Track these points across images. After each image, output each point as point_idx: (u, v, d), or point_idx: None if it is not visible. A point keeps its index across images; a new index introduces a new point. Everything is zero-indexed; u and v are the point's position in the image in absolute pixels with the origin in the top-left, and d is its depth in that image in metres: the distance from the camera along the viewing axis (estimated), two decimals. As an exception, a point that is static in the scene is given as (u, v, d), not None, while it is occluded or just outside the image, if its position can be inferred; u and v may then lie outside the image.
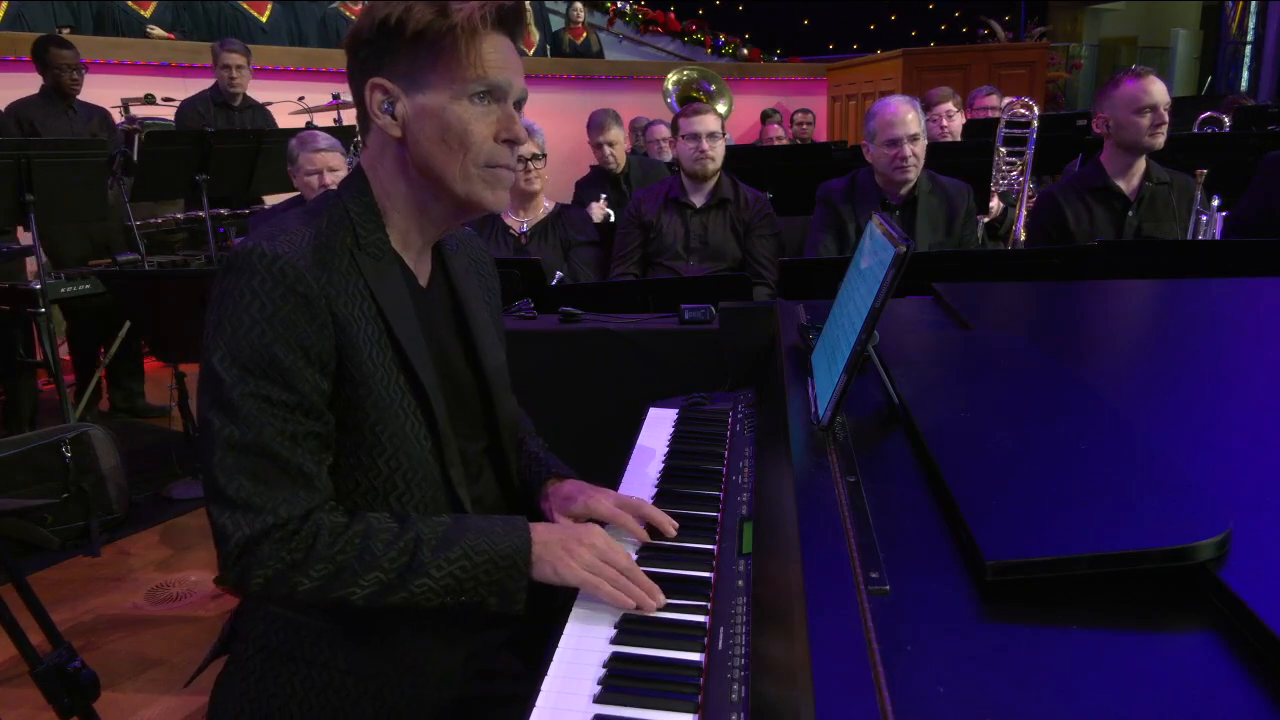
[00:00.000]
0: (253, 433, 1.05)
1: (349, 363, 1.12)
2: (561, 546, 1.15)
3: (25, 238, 4.23)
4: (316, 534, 1.08)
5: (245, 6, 7.40)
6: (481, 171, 1.18)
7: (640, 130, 6.66)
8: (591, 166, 5.60)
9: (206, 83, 5.50)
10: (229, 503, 1.05)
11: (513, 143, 1.19)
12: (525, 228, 3.41)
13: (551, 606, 1.17)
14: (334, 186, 3.40)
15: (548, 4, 9.11)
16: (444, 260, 1.31)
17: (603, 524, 1.29)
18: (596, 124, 4.84)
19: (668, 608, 1.11)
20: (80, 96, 4.84)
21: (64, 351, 5.36)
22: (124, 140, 4.94)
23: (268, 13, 7.50)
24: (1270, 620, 0.64)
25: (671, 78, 8.60)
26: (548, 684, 0.98)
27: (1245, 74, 10.77)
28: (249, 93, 5.46)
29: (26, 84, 4.95)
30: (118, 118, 5.29)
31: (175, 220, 4.92)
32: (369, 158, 1.22)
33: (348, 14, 7.95)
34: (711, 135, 3.42)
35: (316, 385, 1.09)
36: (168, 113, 5.64)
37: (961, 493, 0.86)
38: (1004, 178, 3.78)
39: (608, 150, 4.81)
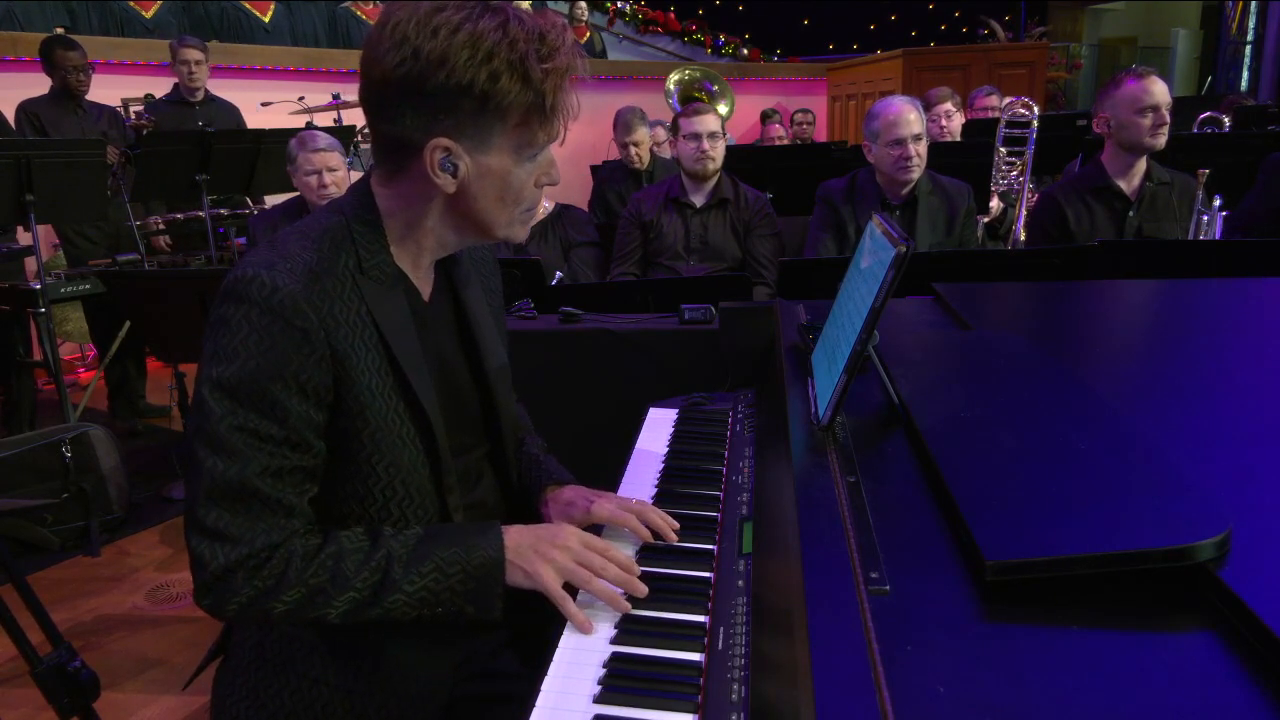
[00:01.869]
0: (236, 467, 1.04)
1: (347, 395, 1.10)
2: (534, 550, 1.14)
3: (25, 238, 4.24)
4: (289, 560, 1.07)
5: (248, 6, 7.39)
6: (522, 215, 1.18)
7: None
8: (602, 163, 5.60)
9: (207, 83, 5.51)
10: (206, 531, 1.05)
11: (548, 184, 1.19)
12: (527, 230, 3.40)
13: (552, 605, 1.17)
14: (332, 186, 3.40)
15: (549, 4, 9.11)
16: (446, 268, 1.29)
17: (602, 527, 1.29)
18: (622, 124, 4.80)
19: (668, 607, 1.11)
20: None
21: (65, 351, 5.36)
22: (134, 136, 4.95)
23: (270, 13, 7.50)
24: (1270, 620, 0.64)
25: (674, 77, 8.60)
26: (548, 684, 0.98)
27: (1245, 74, 10.77)
28: (239, 93, 5.47)
29: (26, 84, 4.95)
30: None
31: (175, 220, 4.92)
32: (395, 195, 1.15)
33: (360, 14, 7.93)
34: (712, 135, 3.42)
35: (309, 419, 1.07)
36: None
37: (961, 493, 0.86)
38: (1004, 178, 3.78)
39: (633, 150, 4.80)
